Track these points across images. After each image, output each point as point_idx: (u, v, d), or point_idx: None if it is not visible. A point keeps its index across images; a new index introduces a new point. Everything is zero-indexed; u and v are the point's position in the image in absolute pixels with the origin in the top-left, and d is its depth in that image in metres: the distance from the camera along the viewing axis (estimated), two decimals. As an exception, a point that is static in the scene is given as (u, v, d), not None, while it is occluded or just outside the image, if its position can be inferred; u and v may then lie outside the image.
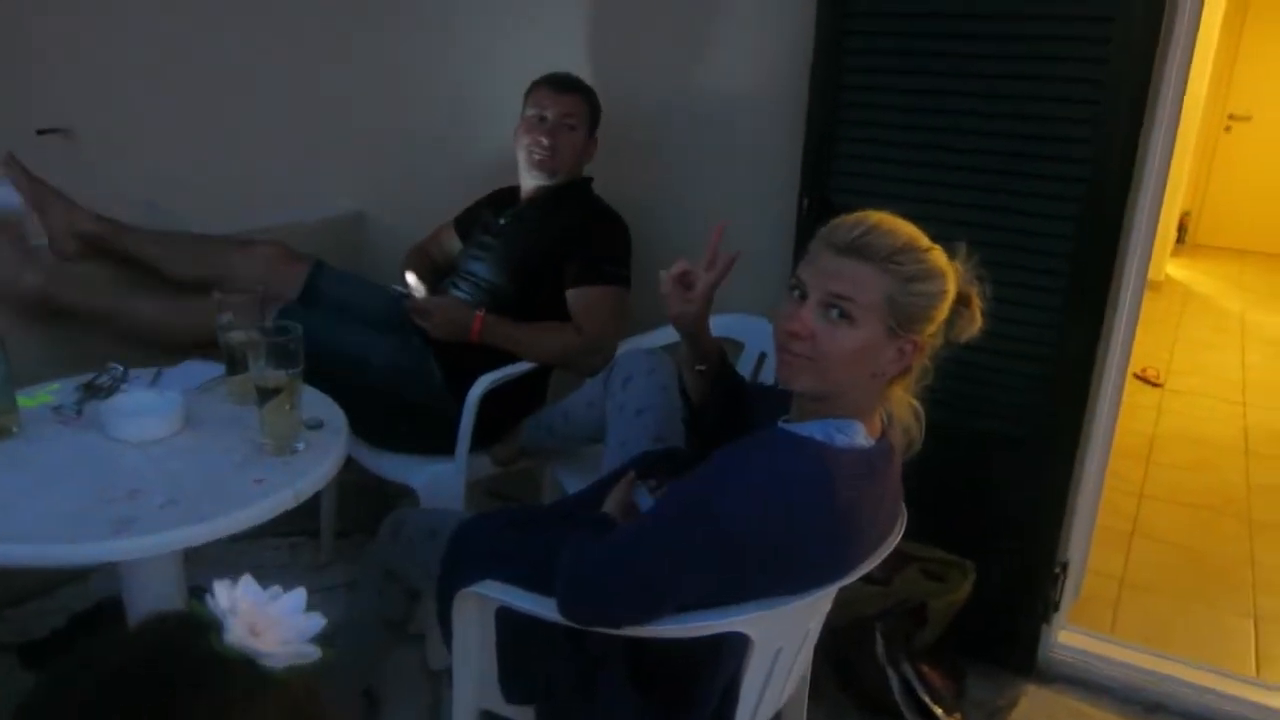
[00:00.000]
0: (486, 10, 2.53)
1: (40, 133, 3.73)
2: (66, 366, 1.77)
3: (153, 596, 1.57)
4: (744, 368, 2.18)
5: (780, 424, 1.33)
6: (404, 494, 2.21)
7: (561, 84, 2.19)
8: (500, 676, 1.53)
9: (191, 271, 2.26)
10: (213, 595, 0.68)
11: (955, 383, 1.44)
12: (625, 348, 2.06)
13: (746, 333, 2.21)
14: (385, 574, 1.79)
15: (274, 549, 2.61)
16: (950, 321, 1.28)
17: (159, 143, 3.50)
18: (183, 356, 1.85)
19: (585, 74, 2.26)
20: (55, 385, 1.71)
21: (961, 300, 1.27)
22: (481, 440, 2.07)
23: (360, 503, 2.52)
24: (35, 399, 1.63)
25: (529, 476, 2.32)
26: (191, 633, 0.66)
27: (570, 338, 2.08)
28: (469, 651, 1.50)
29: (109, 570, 2.43)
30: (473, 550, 1.60)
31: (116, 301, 2.18)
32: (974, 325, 1.29)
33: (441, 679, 2.15)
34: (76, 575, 2.43)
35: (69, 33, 3.62)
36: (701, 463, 1.32)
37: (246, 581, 0.70)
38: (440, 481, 2.07)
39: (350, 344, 2.09)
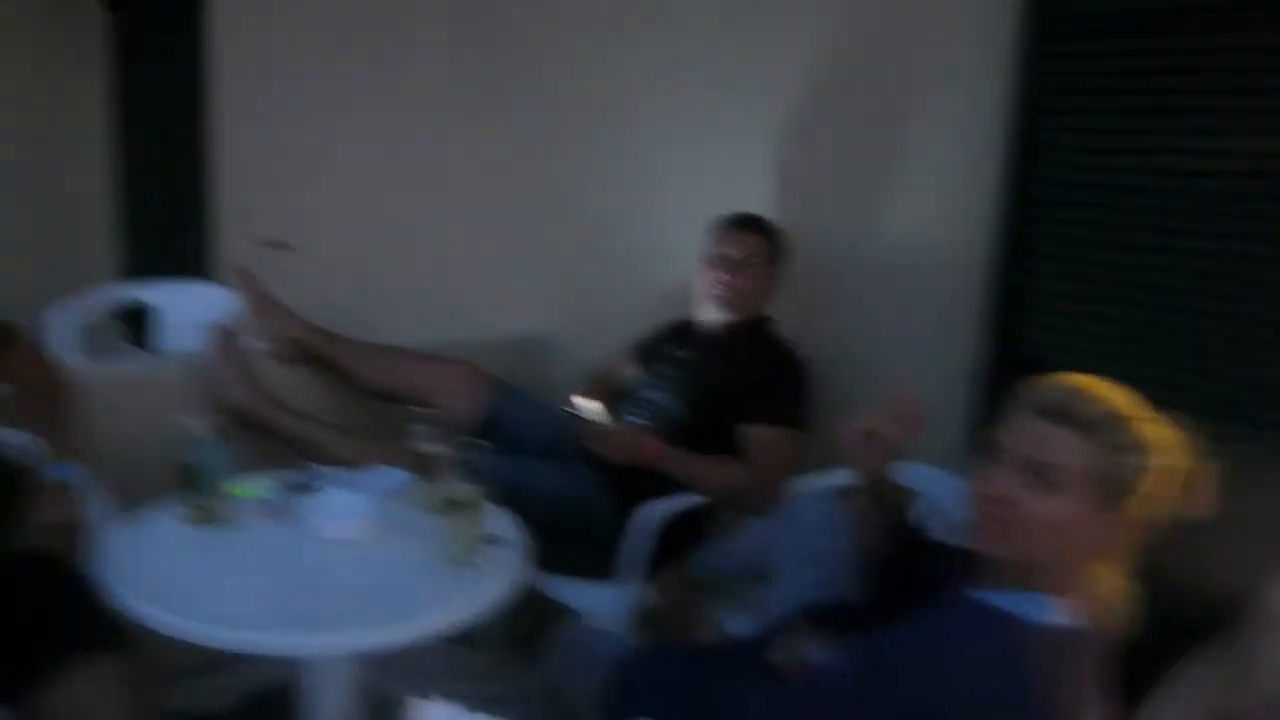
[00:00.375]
0: (677, 148, 2.65)
1: (264, 245, 4.12)
2: (274, 461, 1.91)
3: (328, 688, 1.64)
4: (915, 519, 2.12)
5: (968, 590, 1.28)
6: (566, 611, 2.23)
7: (746, 224, 2.26)
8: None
9: (387, 382, 2.41)
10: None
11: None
12: (798, 490, 2.04)
13: (921, 483, 2.15)
14: (549, 694, 1.79)
15: (441, 654, 2.65)
16: (1176, 499, 1.20)
17: (363, 256, 3.80)
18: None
19: (772, 212, 2.32)
20: (264, 480, 1.84)
21: (1185, 476, 1.20)
22: (647, 568, 2.08)
23: (527, 615, 2.55)
24: (247, 491, 1.76)
25: (689, 610, 2.29)
26: None
27: (742, 475, 2.08)
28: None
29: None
30: (634, 685, 1.59)
31: (319, 434, 2.32)
32: (1203, 504, 1.20)
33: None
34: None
35: (288, 156, 4.04)
36: (878, 619, 1.28)
37: (438, 703, 0.72)
38: (603, 606, 2.08)
39: (520, 474, 2.14)
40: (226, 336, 2.39)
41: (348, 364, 2.45)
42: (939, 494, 2.10)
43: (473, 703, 2.46)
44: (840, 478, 2.12)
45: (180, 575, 1.50)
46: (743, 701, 1.33)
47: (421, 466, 1.76)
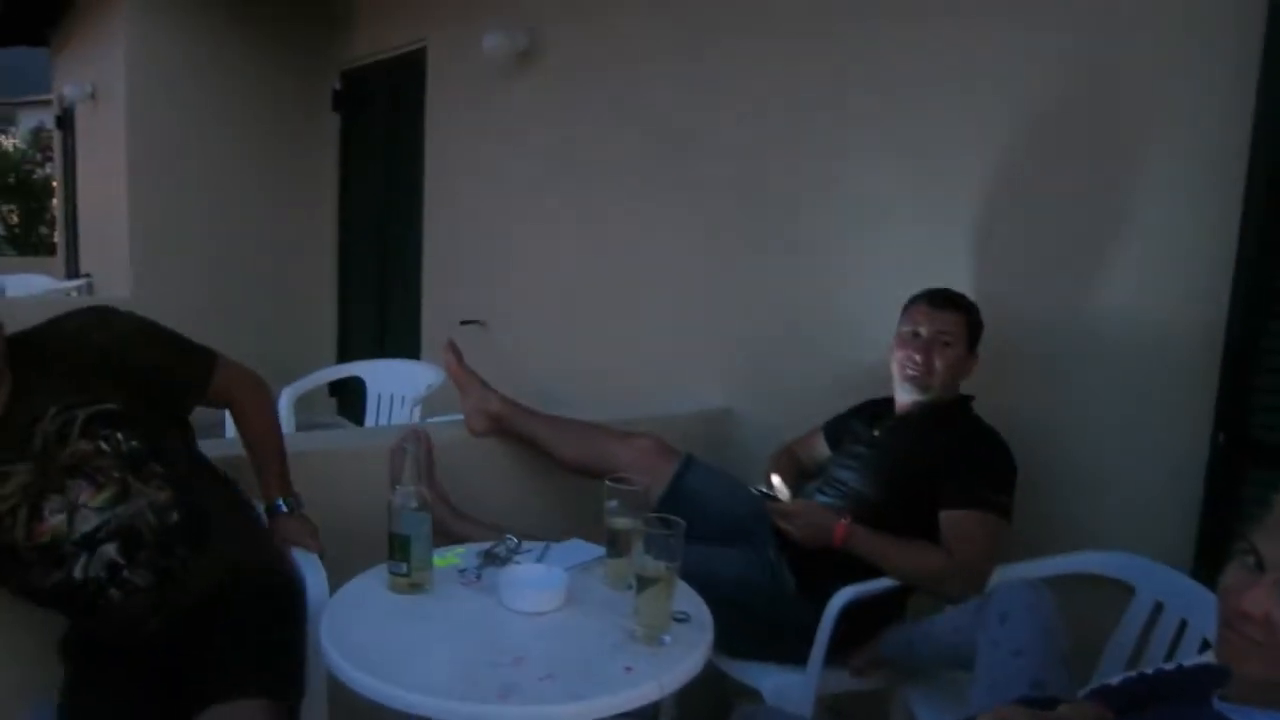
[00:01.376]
0: (868, 222, 2.63)
1: (463, 323, 4.37)
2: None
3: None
4: (1134, 617, 1.95)
5: (1217, 702, 1.15)
6: (745, 692, 2.18)
7: (939, 300, 2.20)
8: None
9: (576, 456, 2.47)
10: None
11: None
12: (1002, 577, 1.92)
13: (1134, 576, 1.98)
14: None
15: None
16: None
17: (553, 334, 3.96)
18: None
19: (968, 288, 2.25)
20: (461, 549, 1.91)
21: None
22: (834, 652, 2.00)
23: (702, 693, 2.51)
24: (446, 560, 1.83)
25: (878, 699, 2.19)
26: None
27: (939, 561, 1.98)
28: None
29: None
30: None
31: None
32: None
33: None
34: None
35: (484, 245, 4.30)
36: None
37: None
38: (788, 690, 2.02)
39: (706, 552, 2.11)
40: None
41: (540, 438, 2.52)
42: (1158, 589, 1.93)
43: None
44: (1053, 565, 2.00)
45: (384, 639, 1.56)
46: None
47: (614, 541, 1.78)
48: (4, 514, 1.64)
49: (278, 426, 2.02)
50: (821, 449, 2.44)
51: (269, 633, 1.74)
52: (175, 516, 1.72)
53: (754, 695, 2.13)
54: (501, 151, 4.30)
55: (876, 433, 2.24)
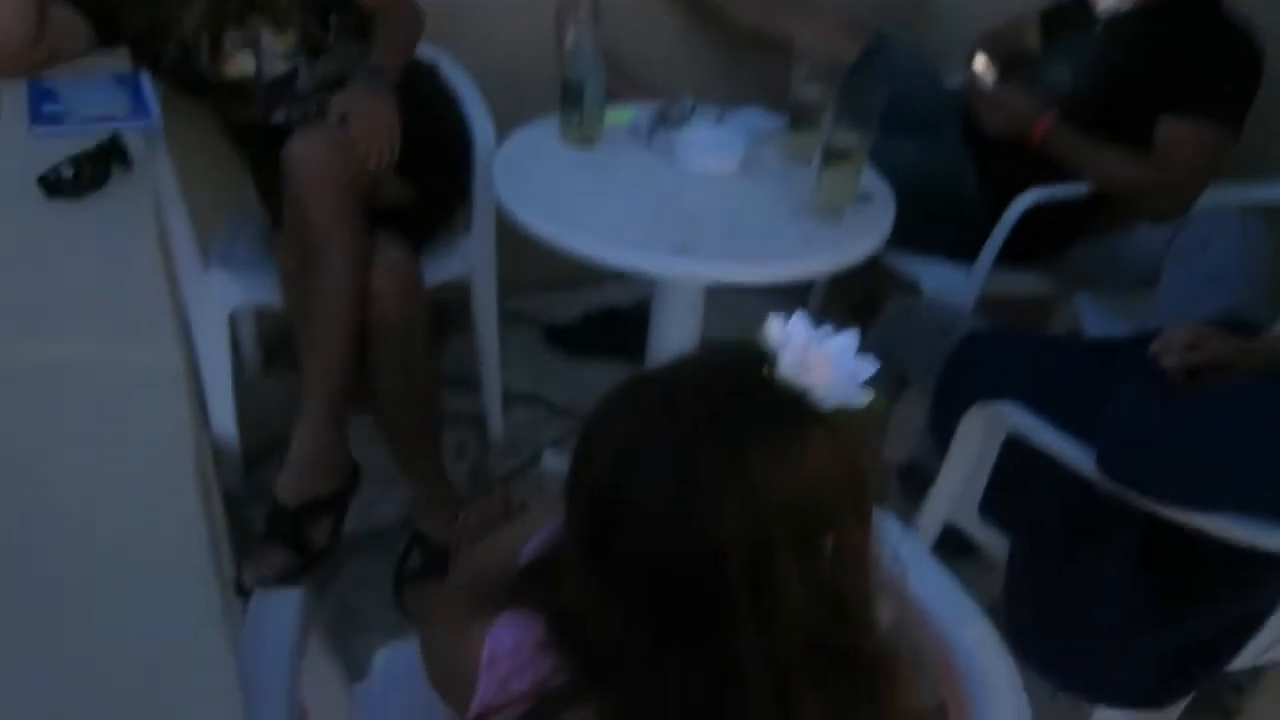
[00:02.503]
0: None
1: None
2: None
3: (676, 317, 1.71)
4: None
5: None
6: (906, 287, 2.17)
7: None
8: (984, 497, 1.48)
9: (753, 22, 2.27)
10: (765, 330, 0.67)
11: None
12: (1209, 201, 1.76)
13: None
14: (883, 355, 1.78)
15: (754, 303, 2.72)
16: None
17: None
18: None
19: None
20: (630, 111, 1.82)
21: None
22: (1008, 255, 1.93)
23: (851, 283, 2.52)
24: (618, 116, 1.76)
25: (1040, 305, 2.15)
26: (746, 361, 0.67)
27: (1145, 172, 1.81)
28: (961, 464, 1.47)
29: (626, 283, 2.70)
30: (988, 361, 1.53)
31: None
32: None
33: (891, 472, 2.17)
34: (596, 280, 2.72)
35: None
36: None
37: (799, 318, 0.68)
38: (951, 286, 1.98)
39: (890, 136, 1.99)
40: None
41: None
42: None
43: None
44: (1268, 193, 1.82)
45: (558, 190, 1.55)
46: (1120, 397, 1.22)
47: (799, 112, 1.67)
48: (189, 41, 1.66)
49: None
50: (1034, 37, 2.16)
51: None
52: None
53: (908, 291, 2.11)
54: None
55: (1100, 24, 1.96)
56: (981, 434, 1.41)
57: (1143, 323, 1.62)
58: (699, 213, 1.50)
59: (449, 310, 2.13)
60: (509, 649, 0.70)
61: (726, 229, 1.45)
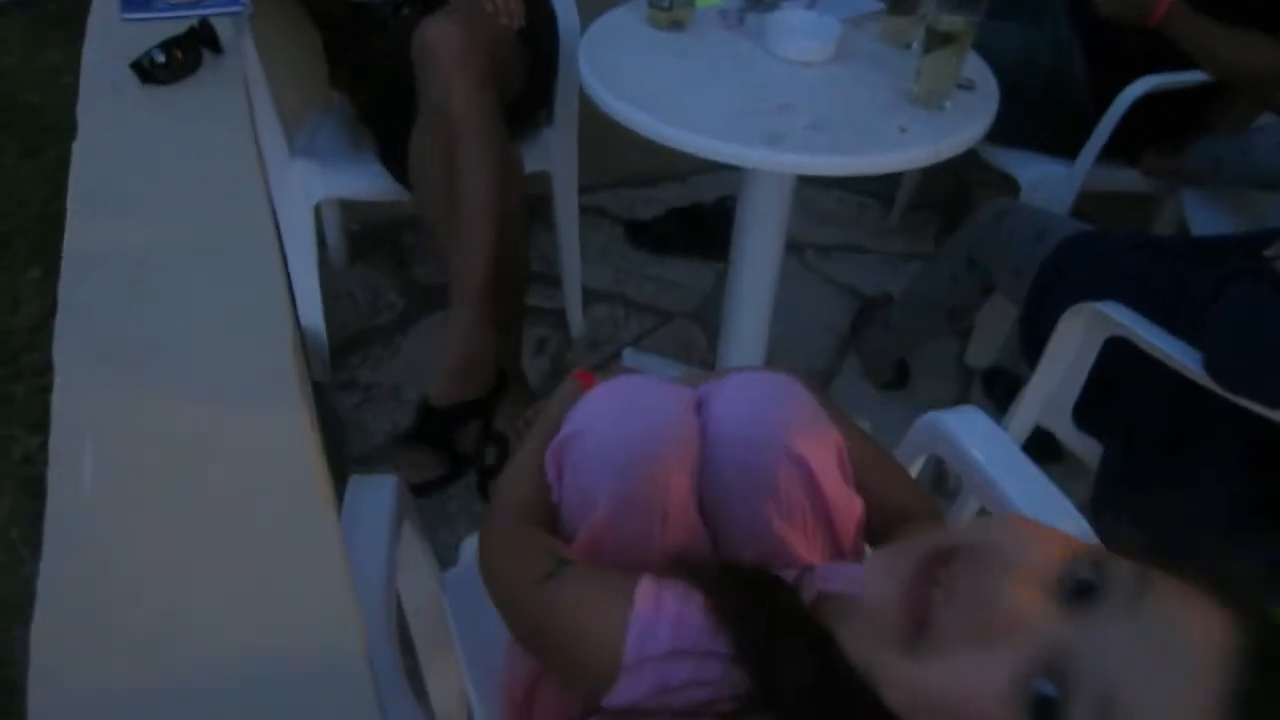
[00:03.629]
0: None
1: None
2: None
3: (762, 211, 1.67)
4: None
5: None
6: (998, 185, 2.08)
7: None
8: (1078, 401, 1.44)
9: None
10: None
11: None
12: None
13: None
14: (968, 260, 1.72)
15: (839, 201, 2.66)
16: None
17: None
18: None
19: None
20: None
21: None
22: (1114, 151, 1.83)
23: (941, 180, 2.44)
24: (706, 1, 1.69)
25: (1142, 203, 2.05)
26: None
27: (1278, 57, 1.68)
28: (1057, 366, 1.42)
29: (709, 178, 2.65)
30: (1088, 263, 1.46)
31: None
32: None
33: (973, 377, 2.13)
34: (678, 175, 2.68)
35: None
36: None
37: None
38: (1051, 182, 1.90)
39: (991, 21, 1.88)
40: None
41: None
42: None
43: (880, 257, 2.44)
44: None
45: (647, 77, 1.50)
46: (1231, 298, 1.16)
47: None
48: None
49: None
50: None
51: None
52: None
53: (1003, 186, 2.03)
54: None
55: None
56: (1079, 336, 1.36)
57: (1260, 222, 1.53)
58: (791, 101, 1.44)
59: (529, 204, 2.12)
60: (659, 655, 0.65)
61: (818, 118, 1.39)
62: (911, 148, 1.36)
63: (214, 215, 1.05)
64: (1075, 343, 1.37)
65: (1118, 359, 1.35)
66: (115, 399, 0.82)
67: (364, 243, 2.37)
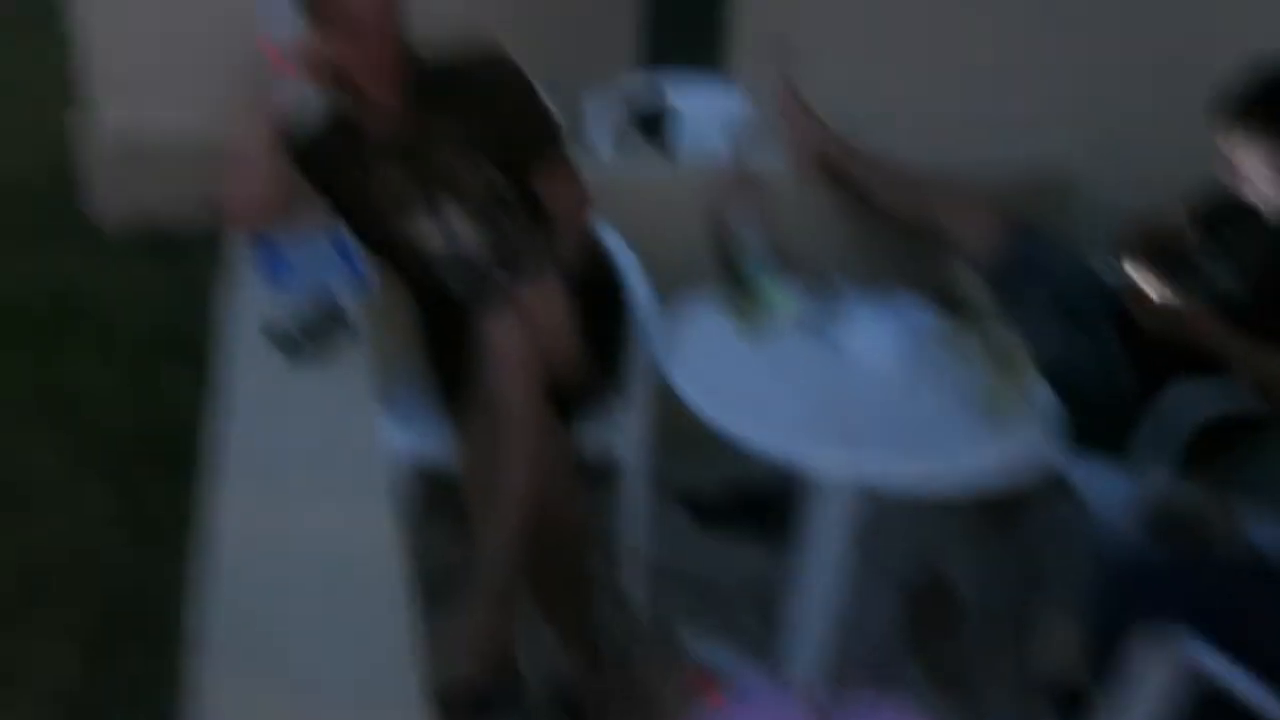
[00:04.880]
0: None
1: (780, 48, 3.99)
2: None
3: (831, 510, 1.69)
4: None
5: None
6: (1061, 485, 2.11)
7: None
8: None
9: (905, 214, 2.31)
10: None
11: None
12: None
13: None
14: (1027, 572, 1.73)
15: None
16: None
17: (872, 64, 3.55)
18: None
19: None
20: (796, 290, 1.81)
21: None
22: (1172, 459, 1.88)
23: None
24: (786, 303, 1.77)
25: (1219, 518, 2.07)
26: None
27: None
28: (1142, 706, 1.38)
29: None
30: (1149, 592, 1.47)
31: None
32: None
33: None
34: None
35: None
36: None
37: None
38: (1107, 489, 1.92)
39: (1039, 330, 1.98)
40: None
41: (867, 184, 2.36)
42: None
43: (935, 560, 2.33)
44: None
45: (720, 373, 1.59)
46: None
47: (954, 307, 1.70)
48: (384, 205, 1.81)
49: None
50: (1187, 229, 2.12)
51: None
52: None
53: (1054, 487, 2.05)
54: None
55: (1261, 219, 1.93)
56: (1159, 669, 1.34)
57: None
58: (864, 406, 1.52)
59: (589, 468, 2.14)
60: None
61: (890, 425, 1.47)
62: (978, 457, 1.42)
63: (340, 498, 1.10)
64: (1155, 684, 1.33)
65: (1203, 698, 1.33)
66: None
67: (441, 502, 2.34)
